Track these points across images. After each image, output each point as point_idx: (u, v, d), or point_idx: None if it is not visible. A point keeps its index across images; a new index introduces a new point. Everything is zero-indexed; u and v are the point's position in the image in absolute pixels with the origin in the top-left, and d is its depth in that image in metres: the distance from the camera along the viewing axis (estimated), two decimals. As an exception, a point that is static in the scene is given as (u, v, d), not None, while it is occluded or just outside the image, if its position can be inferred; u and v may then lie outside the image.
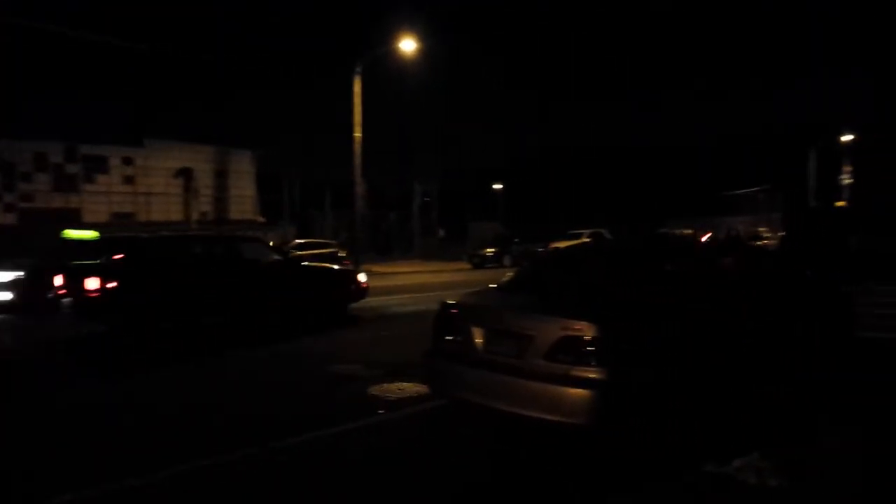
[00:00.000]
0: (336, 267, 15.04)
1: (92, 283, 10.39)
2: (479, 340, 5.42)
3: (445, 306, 5.91)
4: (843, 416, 3.50)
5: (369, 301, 17.17)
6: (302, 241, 28.31)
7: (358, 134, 26.96)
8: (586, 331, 4.81)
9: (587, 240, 33.42)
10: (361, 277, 13.88)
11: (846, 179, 34.57)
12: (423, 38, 26.03)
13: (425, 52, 27.36)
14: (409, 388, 7.42)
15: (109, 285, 10.38)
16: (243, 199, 41.55)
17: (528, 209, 55.15)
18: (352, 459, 5.42)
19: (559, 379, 4.86)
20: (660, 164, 59.91)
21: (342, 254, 28.84)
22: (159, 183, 37.43)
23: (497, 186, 58.21)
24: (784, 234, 11.95)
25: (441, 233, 44.72)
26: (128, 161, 36.46)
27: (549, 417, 4.93)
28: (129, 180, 36.48)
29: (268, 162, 43.83)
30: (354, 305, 13.81)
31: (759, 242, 30.97)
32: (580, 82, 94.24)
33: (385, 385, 7.61)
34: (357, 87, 26.76)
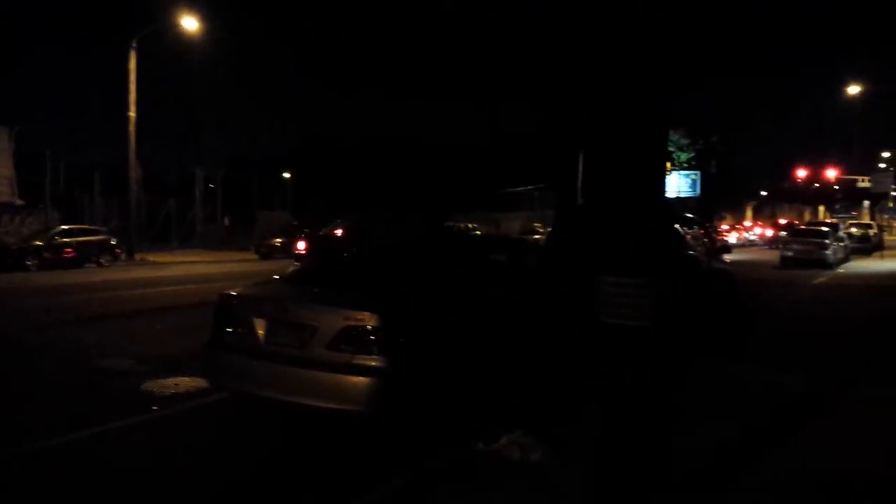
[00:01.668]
0: None
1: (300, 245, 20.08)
2: (261, 332, 5.38)
3: (226, 297, 5.79)
4: (599, 393, 3.97)
5: (146, 292, 16.30)
6: (66, 227, 25.83)
7: (132, 113, 25.31)
8: (368, 320, 4.95)
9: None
10: None
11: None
12: (208, 15, 24.95)
13: (210, 31, 26.22)
14: (187, 382, 7.14)
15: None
16: (-3, 180, 37.22)
17: (318, 199, 54.52)
18: (120, 460, 5.18)
19: (342, 368, 4.96)
20: (448, 160, 61.85)
21: (114, 242, 26.84)
22: None
23: (286, 175, 57.06)
24: (551, 229, 12.99)
25: (226, 221, 42.91)
26: None
27: (332, 406, 5.02)
28: None
29: (28, 139, 39.53)
30: (134, 294, 13.07)
31: (534, 237, 33.27)
32: (374, 74, 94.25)
33: (160, 380, 7.25)
34: (132, 63, 25.06)
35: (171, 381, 7.23)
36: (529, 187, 52.01)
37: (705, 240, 15.27)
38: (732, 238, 47.13)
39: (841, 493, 4.55)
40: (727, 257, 18.71)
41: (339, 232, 19.31)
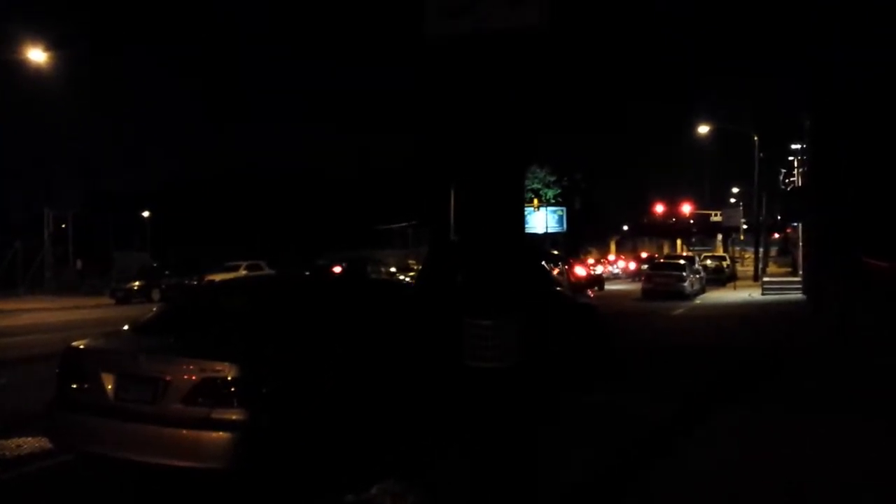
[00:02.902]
0: None
1: None
2: (110, 387, 5.00)
3: (71, 350, 5.39)
4: (468, 436, 3.96)
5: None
6: None
7: (-25, 150, 23.43)
8: (227, 371, 4.71)
9: (245, 272, 32.89)
10: None
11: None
12: (60, 46, 23.68)
13: (61, 63, 24.87)
14: (30, 443, 6.57)
15: None
16: None
17: (181, 239, 52.37)
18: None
19: (200, 423, 4.69)
20: (317, 196, 60.99)
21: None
22: None
23: (146, 214, 54.64)
24: (421, 267, 13.03)
25: (79, 264, 40.34)
26: None
27: (190, 465, 4.73)
28: None
29: None
30: None
31: (410, 275, 33.30)
32: (246, 109, 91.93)
33: (1, 441, 6.64)
34: (-25, 97, 23.30)
35: (13, 441, 6.66)
36: (403, 224, 52.31)
37: (569, 275, 15.81)
38: (597, 271, 49.07)
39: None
40: (590, 291, 19.43)
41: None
